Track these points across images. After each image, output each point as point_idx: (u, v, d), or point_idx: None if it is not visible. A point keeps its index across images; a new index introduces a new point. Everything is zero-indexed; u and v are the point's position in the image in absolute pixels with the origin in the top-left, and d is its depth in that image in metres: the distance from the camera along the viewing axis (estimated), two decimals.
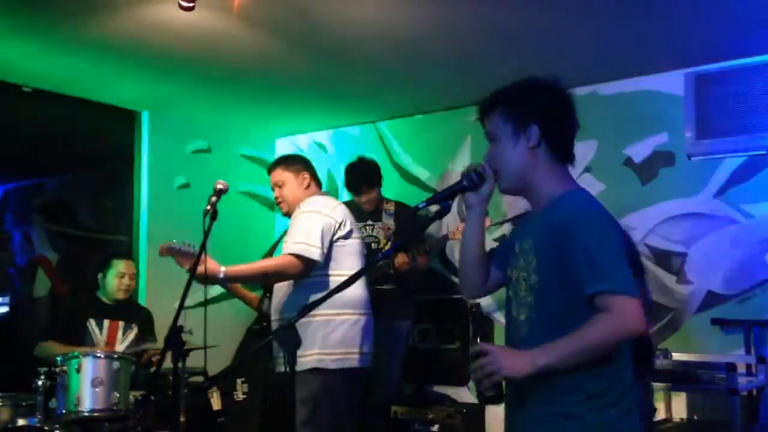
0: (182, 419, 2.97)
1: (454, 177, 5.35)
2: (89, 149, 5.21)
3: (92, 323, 4.17)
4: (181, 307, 2.91)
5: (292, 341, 2.02)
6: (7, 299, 5.33)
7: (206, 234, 2.94)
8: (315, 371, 3.11)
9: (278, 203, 3.50)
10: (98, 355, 3.45)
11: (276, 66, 4.43)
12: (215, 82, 4.76)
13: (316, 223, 3.20)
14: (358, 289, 3.28)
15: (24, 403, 3.51)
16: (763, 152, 4.18)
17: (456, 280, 5.26)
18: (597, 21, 3.79)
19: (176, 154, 5.52)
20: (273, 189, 3.50)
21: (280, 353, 3.17)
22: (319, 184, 3.52)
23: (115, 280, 4.28)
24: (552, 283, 1.83)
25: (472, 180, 2.00)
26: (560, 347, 1.75)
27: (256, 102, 5.27)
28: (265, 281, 3.26)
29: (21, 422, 3.42)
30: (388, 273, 4.49)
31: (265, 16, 3.69)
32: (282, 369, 3.17)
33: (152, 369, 4.04)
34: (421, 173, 5.52)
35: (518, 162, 1.94)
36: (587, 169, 4.67)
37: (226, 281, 3.24)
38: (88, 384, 3.34)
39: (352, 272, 3.18)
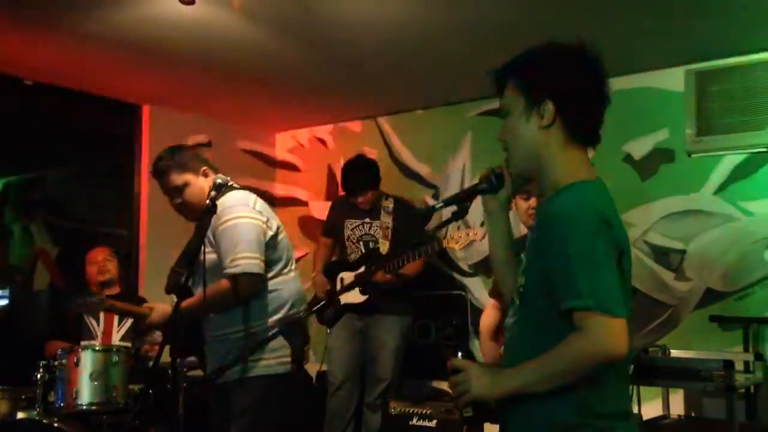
0: (181, 412, 2.97)
1: (454, 172, 5.38)
2: (89, 143, 5.21)
3: (89, 318, 4.19)
4: (180, 301, 2.90)
5: (300, 337, 1.91)
6: (6, 292, 5.34)
7: (204, 229, 2.93)
8: (258, 378, 2.87)
9: (180, 211, 3.08)
10: (97, 348, 3.46)
11: (277, 61, 4.43)
12: (216, 75, 4.75)
13: (249, 232, 2.86)
14: (296, 285, 3.04)
15: (23, 396, 3.53)
16: (763, 149, 4.19)
17: (456, 276, 5.27)
18: (597, 17, 3.79)
19: None
20: (168, 195, 3.07)
21: (219, 363, 2.93)
22: (215, 170, 3.11)
23: (88, 269, 4.37)
24: (535, 287, 1.66)
25: (492, 183, 1.84)
26: (531, 370, 1.60)
27: (256, 96, 5.26)
28: (218, 311, 2.93)
29: (20, 415, 3.43)
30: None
31: (265, 11, 3.69)
32: (232, 377, 2.92)
33: (150, 363, 4.05)
34: (422, 168, 5.52)
35: (529, 141, 1.72)
36: None
37: (184, 320, 2.91)
38: (86, 377, 3.34)
39: (286, 271, 2.98)
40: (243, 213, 2.90)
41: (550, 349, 1.57)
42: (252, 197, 3.01)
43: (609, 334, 1.52)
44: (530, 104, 1.71)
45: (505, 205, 1.88)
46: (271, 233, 2.96)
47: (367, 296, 4.47)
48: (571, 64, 1.71)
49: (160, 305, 2.96)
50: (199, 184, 3.02)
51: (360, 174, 4.56)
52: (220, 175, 3.07)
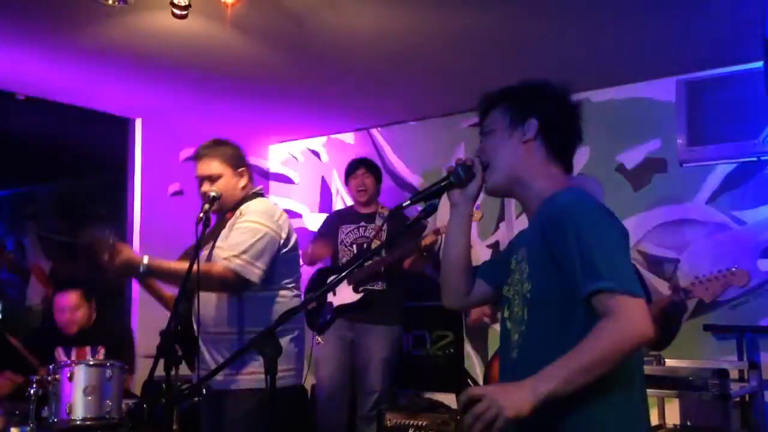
0: (175, 427, 2.96)
1: None
2: (82, 157, 5.22)
3: (60, 352, 4.14)
4: (175, 310, 2.88)
5: (272, 350, 1.87)
6: None
7: (198, 241, 2.93)
8: (252, 390, 2.84)
9: (204, 198, 3.01)
10: (90, 363, 3.45)
11: (270, 73, 4.44)
12: (209, 89, 4.76)
13: (262, 240, 2.88)
14: (295, 300, 3.03)
15: (17, 411, 3.52)
16: (755, 159, 4.20)
17: None
18: (589, 28, 3.81)
19: (169, 161, 5.52)
20: (200, 180, 3.05)
21: (212, 362, 2.90)
22: (253, 178, 3.17)
23: (56, 315, 4.23)
24: (545, 290, 1.62)
25: (459, 176, 1.84)
26: (562, 367, 1.48)
27: (249, 109, 5.27)
28: (192, 285, 2.81)
29: (14, 430, 3.42)
30: (378, 272, 4.47)
31: (258, 24, 3.70)
32: (223, 387, 2.91)
33: None
34: (415, 180, 5.53)
35: (511, 155, 1.79)
36: (580, 176, 4.68)
37: (148, 275, 2.86)
38: (80, 392, 3.34)
39: (290, 287, 3.00)
40: (264, 221, 2.94)
41: (579, 343, 1.49)
42: (279, 211, 3.06)
43: (638, 314, 1.49)
44: (515, 120, 1.79)
45: (472, 197, 1.89)
46: (285, 249, 3.00)
47: (361, 294, 4.46)
48: (557, 95, 1.83)
49: (131, 253, 2.83)
50: (233, 180, 3.06)
51: (363, 159, 4.85)
52: (258, 186, 3.17)
